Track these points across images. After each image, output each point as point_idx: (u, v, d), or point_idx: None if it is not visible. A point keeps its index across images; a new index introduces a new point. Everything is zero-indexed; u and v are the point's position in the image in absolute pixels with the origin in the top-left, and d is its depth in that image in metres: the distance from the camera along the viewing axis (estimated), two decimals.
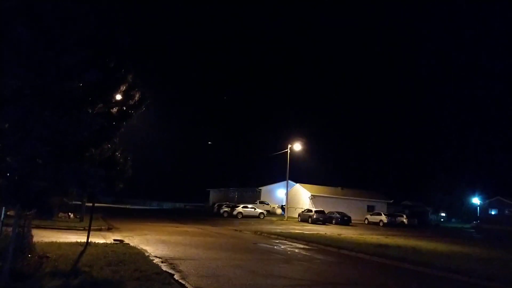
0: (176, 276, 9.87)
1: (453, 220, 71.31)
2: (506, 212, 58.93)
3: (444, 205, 72.05)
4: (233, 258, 14.22)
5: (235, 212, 44.41)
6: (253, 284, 9.95)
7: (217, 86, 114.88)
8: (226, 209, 46.11)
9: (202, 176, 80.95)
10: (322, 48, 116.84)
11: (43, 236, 14.08)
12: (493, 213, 61.52)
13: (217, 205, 49.69)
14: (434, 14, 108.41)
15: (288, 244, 20.54)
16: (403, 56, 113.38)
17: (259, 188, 63.43)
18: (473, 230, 51.12)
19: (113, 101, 9.46)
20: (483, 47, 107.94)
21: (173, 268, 10.98)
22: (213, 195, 72.40)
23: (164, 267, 10.96)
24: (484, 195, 67.19)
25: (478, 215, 64.46)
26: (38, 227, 15.73)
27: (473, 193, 70.14)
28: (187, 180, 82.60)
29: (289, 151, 47.06)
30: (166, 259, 12.53)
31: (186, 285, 9.15)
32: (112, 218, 29.65)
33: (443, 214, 72.87)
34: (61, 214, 24.65)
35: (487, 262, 17.04)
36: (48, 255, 10.56)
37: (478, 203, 67.24)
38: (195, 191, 77.82)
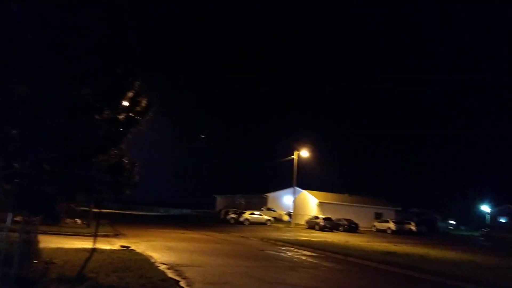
0: (182, 283, 9.83)
1: (462, 227, 70.56)
2: None
3: (453, 212, 71.34)
4: (240, 265, 14.16)
5: (241, 219, 44.29)
6: None
7: (226, 93, 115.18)
8: (232, 215, 45.98)
9: (209, 183, 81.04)
10: (332, 56, 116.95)
11: (50, 242, 14.11)
12: (502, 221, 60.77)
13: (224, 212, 49.59)
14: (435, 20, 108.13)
15: (295, 251, 20.42)
16: (411, 60, 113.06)
17: (266, 194, 63.24)
18: (483, 238, 50.54)
19: (120, 107, 9.49)
20: (484, 50, 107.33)
21: (179, 275, 10.94)
22: (220, 201, 72.33)
23: (170, 274, 10.92)
24: (494, 202, 66.46)
25: (488, 222, 63.76)
26: (44, 233, 15.74)
27: (482, 201, 69.39)
28: (194, 186, 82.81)
29: (296, 157, 46.95)
30: (172, 266, 12.50)
31: None
32: (118, 224, 29.69)
33: (452, 222, 72.14)
34: (68, 220, 24.71)
35: (496, 270, 16.81)
36: (54, 261, 10.58)
37: (488, 211, 66.49)
38: (202, 197, 77.93)
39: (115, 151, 10.13)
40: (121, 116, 9.54)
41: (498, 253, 27.91)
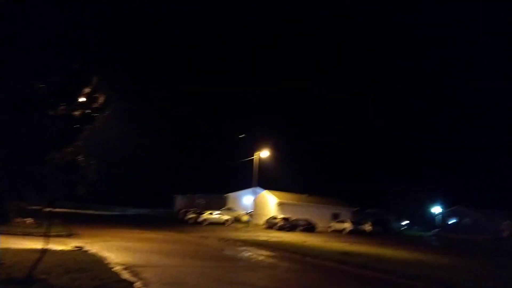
0: (137, 284, 9.64)
1: (415, 228, 73.24)
2: (465, 220, 61.09)
3: (407, 213, 74.06)
4: (198, 265, 14.08)
5: (201, 219, 44.00)
6: None
7: (184, 90, 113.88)
8: (192, 215, 45.55)
9: (168, 182, 79.80)
10: (293, 56, 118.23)
11: None
12: (453, 221, 63.57)
13: (183, 211, 49.06)
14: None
15: (253, 251, 20.51)
16: (367, 65, 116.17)
17: (226, 194, 63.16)
18: (434, 238, 52.67)
19: (77, 103, 9.22)
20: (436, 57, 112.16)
21: (135, 276, 10.72)
22: (179, 201, 71.52)
23: (125, 275, 10.69)
24: (445, 204, 69.38)
25: (439, 223, 66.55)
26: None
27: (434, 202, 72.38)
28: (153, 185, 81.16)
29: (256, 157, 47.16)
30: (128, 267, 12.23)
31: None
32: (73, 223, 28.72)
33: (405, 222, 74.76)
34: (18, 219, 23.65)
35: (445, 269, 17.59)
36: (2, 262, 10.12)
37: (439, 212, 69.35)
38: (161, 197, 76.64)
39: (70, 148, 9.83)
40: (77, 112, 9.27)
41: (447, 253, 29.23)
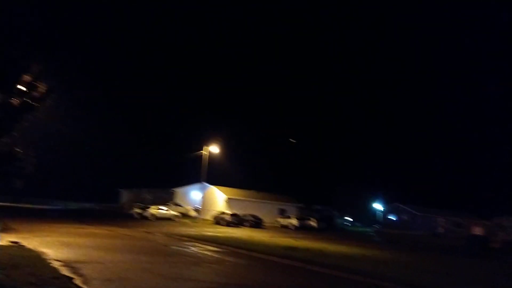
0: (77, 281, 9.33)
1: (357, 224, 76.09)
2: (403, 217, 64.23)
3: (350, 210, 76.84)
4: (142, 261, 13.82)
5: (147, 214, 43.17)
6: None
7: (132, 82, 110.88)
8: (137, 210, 44.52)
9: (114, 176, 77.42)
10: (241, 52, 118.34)
11: None
12: (392, 218, 66.58)
13: (128, 206, 47.88)
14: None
15: (199, 247, 20.44)
16: (314, 59, 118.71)
17: (174, 189, 62.34)
18: (374, 234, 54.96)
19: (15, 91, 8.76)
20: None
21: (75, 272, 10.36)
22: (124, 195, 69.70)
23: (64, 271, 10.30)
24: (385, 201, 72.58)
25: (379, 219, 69.49)
26: None
27: (375, 200, 75.56)
28: (98, 179, 78.41)
29: (205, 152, 46.86)
30: (67, 263, 11.79)
31: None
32: (9, 218, 27.22)
33: (349, 218, 77.46)
34: None
35: (383, 263, 18.46)
36: None
37: (380, 209, 72.44)
38: (106, 191, 74.27)
39: (6, 139, 9.32)
40: (15, 101, 8.81)
41: (387, 248, 30.62)
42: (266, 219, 48.04)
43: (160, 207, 45.56)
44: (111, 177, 76.40)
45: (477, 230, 61.86)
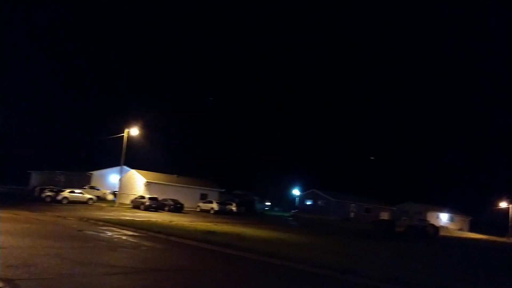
0: None
1: (276, 209, 78.57)
2: (319, 203, 67.44)
3: (270, 195, 79.06)
4: (52, 247, 13.16)
5: (59, 197, 40.90)
6: (70, 274, 9.38)
7: (50, 60, 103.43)
8: (49, 193, 41.97)
9: (23, 157, 72.09)
10: (162, 33, 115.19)
11: None
12: (308, 203, 69.58)
13: (39, 189, 44.93)
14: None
15: (116, 231, 19.88)
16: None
17: (90, 172, 59.73)
18: (291, 218, 57.16)
19: None
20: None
21: None
22: (35, 177, 65.31)
23: None
24: (303, 187, 75.68)
25: (297, 205, 72.33)
26: None
27: (294, 186, 78.51)
28: (5, 160, 72.52)
29: (126, 135, 45.27)
30: None
31: None
32: None
33: (268, 203, 79.68)
34: None
35: (299, 247, 19.35)
36: None
37: (297, 194, 75.34)
38: (15, 173, 69.01)
39: None
40: None
41: (302, 232, 32.07)
42: (188, 203, 47.84)
43: (74, 190, 43.40)
44: (20, 158, 71.16)
45: (384, 215, 67.12)
